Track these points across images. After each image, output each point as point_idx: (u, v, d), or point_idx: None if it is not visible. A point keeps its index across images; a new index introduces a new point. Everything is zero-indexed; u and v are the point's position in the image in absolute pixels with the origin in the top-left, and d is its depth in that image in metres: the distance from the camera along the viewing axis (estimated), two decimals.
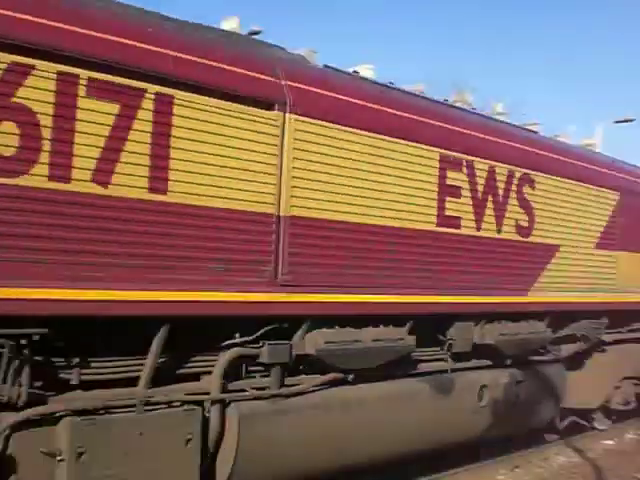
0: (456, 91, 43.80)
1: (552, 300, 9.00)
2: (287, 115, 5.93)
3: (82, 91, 4.74)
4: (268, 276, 5.79)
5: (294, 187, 5.97)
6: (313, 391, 6.39)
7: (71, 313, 4.72)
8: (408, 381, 7.34)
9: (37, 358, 4.71)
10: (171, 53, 5.30)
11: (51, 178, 4.57)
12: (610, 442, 10.83)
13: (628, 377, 11.14)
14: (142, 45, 5.14)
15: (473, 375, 8.15)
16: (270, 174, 5.82)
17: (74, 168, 4.68)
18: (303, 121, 6.04)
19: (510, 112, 43.60)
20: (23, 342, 4.54)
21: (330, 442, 6.41)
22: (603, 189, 10.08)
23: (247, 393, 5.92)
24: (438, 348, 7.87)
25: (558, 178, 9.12)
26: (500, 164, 8.17)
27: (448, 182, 7.46)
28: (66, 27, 4.71)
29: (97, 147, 4.81)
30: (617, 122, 33.07)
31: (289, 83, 6.06)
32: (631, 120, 32.29)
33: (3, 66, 4.36)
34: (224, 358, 5.81)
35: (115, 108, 4.89)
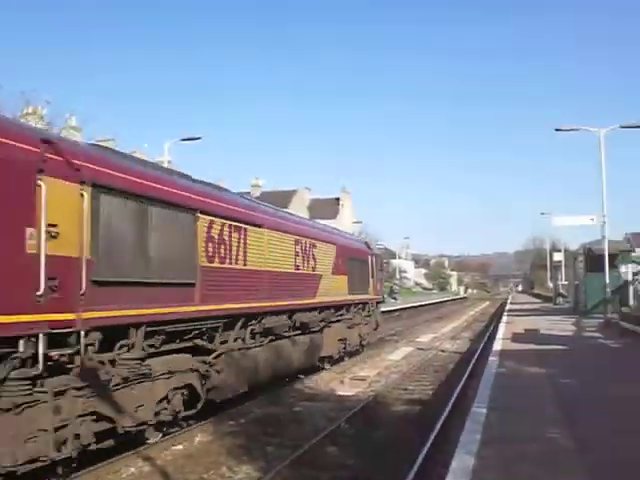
0: (27, 103, 43.28)
1: (320, 301, 19.23)
2: (265, 230, 15.15)
3: (233, 229, 13.39)
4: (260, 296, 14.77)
5: (267, 257, 15.27)
6: (262, 344, 15.22)
7: (245, 312, 13.91)
8: (286, 340, 16.67)
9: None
10: (245, 211, 14.38)
11: (237, 263, 13.55)
12: (180, 447, 11.33)
13: (341, 339, 21.71)
14: (243, 210, 14.31)
15: (300, 337, 17.69)
16: (263, 252, 14.93)
17: (238, 259, 13.63)
18: (270, 231, 15.48)
19: (84, 126, 44.55)
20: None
21: (266, 363, 15.08)
22: (332, 245, 20.93)
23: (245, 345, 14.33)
24: (291, 324, 17.03)
25: (321, 242, 19.73)
26: (309, 239, 18.52)
27: (296, 250, 17.30)
28: (245, 211, 14.48)
29: (236, 250, 13.50)
30: (183, 140, 36.78)
31: (264, 217, 15.40)
32: (198, 138, 36.37)
33: (221, 224, 13.02)
34: (247, 330, 14.57)
35: (238, 234, 13.59)
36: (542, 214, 56.82)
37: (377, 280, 27.30)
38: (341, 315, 21.69)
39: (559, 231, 73.80)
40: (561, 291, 64.38)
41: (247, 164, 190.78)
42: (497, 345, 20.84)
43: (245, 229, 13.92)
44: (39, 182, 8.21)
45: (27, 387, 8.22)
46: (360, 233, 71.32)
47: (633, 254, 45.09)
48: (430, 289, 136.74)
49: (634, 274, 35.84)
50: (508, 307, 58.52)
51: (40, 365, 8.23)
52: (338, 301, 21.11)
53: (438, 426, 11.86)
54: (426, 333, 36.98)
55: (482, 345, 26.39)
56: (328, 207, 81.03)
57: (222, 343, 13.21)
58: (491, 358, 17.37)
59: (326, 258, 19.96)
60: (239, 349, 13.89)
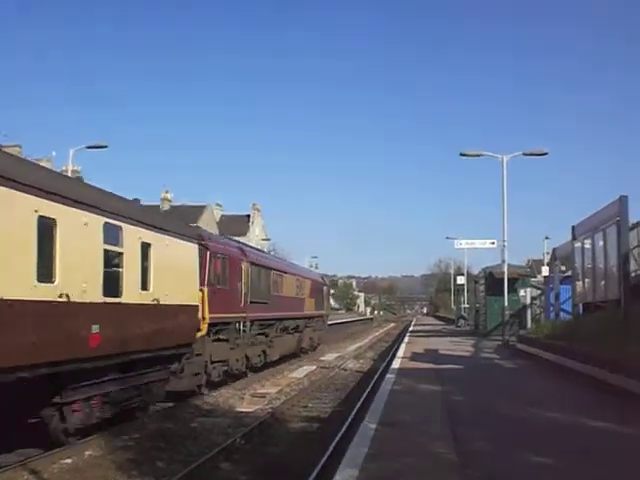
0: None
1: (304, 314, 33.95)
2: (287, 275, 31.06)
3: (278, 275, 28.56)
4: (285, 309, 29.69)
5: (286, 288, 30.45)
6: (282, 336, 28.87)
7: (280, 317, 28.25)
8: (289, 335, 30.26)
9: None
10: (282, 266, 31.89)
11: (279, 292, 28.26)
12: (68, 460, 11.18)
13: (310, 338, 35.57)
14: (281, 266, 31.57)
15: (295, 334, 31.52)
16: (285, 286, 30.19)
17: (279, 290, 28.39)
18: (289, 275, 31.53)
19: None
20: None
21: (283, 346, 28.75)
22: (309, 280, 36.78)
23: (277, 335, 28.16)
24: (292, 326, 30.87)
25: (305, 279, 35.62)
26: (301, 277, 34.58)
27: (296, 284, 32.40)
28: (282, 266, 32.02)
29: (279, 285, 28.56)
30: (89, 147, 35.87)
31: (287, 268, 32.41)
32: (104, 146, 35.52)
33: (276, 273, 28.55)
34: (277, 327, 28.17)
35: (280, 277, 28.88)
36: (447, 238, 57.94)
37: (327, 301, 45.07)
38: (310, 323, 35.60)
39: (464, 255, 75.66)
40: (463, 314, 66.05)
41: (157, 176, 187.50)
42: (396, 363, 21.16)
43: (282, 274, 29.14)
44: (241, 267, 21.83)
45: (237, 339, 21.49)
46: (270, 250, 71.36)
47: (533, 279, 46.63)
48: (337, 309, 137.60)
49: (532, 298, 37.16)
50: (412, 328, 59.53)
51: (241, 333, 21.64)
52: (311, 314, 35.93)
53: (334, 443, 11.91)
54: (331, 352, 37.30)
55: (384, 365, 26.73)
56: (238, 224, 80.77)
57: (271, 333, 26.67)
58: (388, 376, 17.60)
59: (307, 288, 35.13)
60: (275, 337, 26.93)
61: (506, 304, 32.94)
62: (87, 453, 11.70)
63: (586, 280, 23.37)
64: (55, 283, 10.55)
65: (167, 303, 14.78)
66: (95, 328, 11.62)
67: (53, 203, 10.62)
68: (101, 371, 12.38)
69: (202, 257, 17.73)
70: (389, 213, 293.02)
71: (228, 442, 12.50)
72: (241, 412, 16.56)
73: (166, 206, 67.87)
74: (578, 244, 23.75)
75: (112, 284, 12.43)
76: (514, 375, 19.17)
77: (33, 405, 11.34)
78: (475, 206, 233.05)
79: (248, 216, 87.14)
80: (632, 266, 19.34)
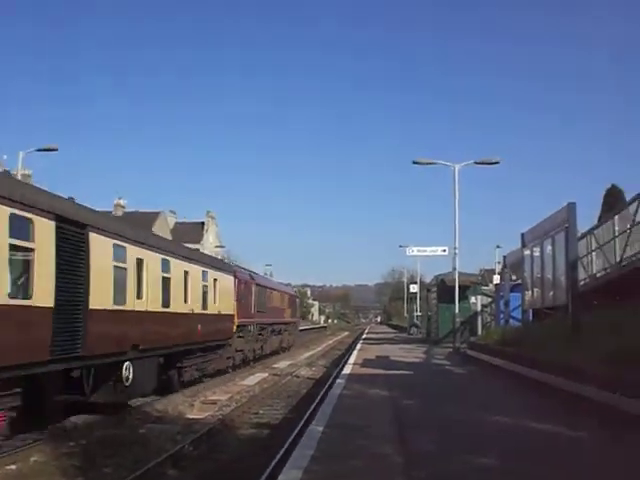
0: None
1: (283, 320, 44.37)
2: (276, 292, 42.91)
3: (270, 292, 40.45)
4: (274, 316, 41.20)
5: (276, 301, 42.99)
6: (272, 336, 39.82)
7: (272, 322, 39.45)
8: (275, 336, 40.45)
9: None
10: (274, 286, 45.21)
11: (271, 304, 39.66)
12: (12, 467, 11.01)
13: (287, 339, 47.18)
14: (274, 286, 45.10)
15: (278, 335, 41.89)
16: (275, 299, 42.80)
17: (272, 302, 40.07)
18: (277, 292, 44.02)
19: None
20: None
21: (273, 343, 39.55)
22: (288, 294, 49.40)
23: (269, 335, 39.19)
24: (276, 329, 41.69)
25: (285, 294, 47.73)
26: (282, 293, 46.02)
27: (280, 298, 44.30)
28: (273, 286, 45.32)
29: (272, 299, 40.59)
30: (39, 150, 35.25)
31: (276, 287, 45.75)
32: (54, 149, 34.90)
33: (268, 290, 40.34)
34: (270, 329, 39.36)
35: (270, 293, 40.33)
36: (400, 246, 58.11)
37: (298, 310, 58.61)
38: (287, 328, 45.59)
39: (418, 264, 76.13)
40: (415, 321, 66.48)
41: (110, 181, 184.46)
42: (347, 369, 21.21)
43: (272, 291, 40.27)
44: (252, 287, 32.74)
45: (248, 336, 31.53)
46: (223, 257, 70.99)
47: (484, 287, 47.11)
48: None
49: (483, 305, 37.59)
50: (365, 336, 59.74)
51: (251, 333, 32.13)
52: (288, 321, 46.47)
53: (283, 449, 11.84)
54: (283, 360, 37.23)
55: (336, 372, 26.74)
56: (192, 231, 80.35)
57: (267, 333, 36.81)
58: (339, 381, 17.64)
59: (286, 300, 46.05)
60: (267, 337, 36.39)
61: (457, 311, 33.25)
62: (32, 459, 11.49)
63: (535, 287, 23.73)
64: (188, 303, 20.61)
65: (223, 313, 25.34)
66: (199, 326, 21.44)
67: (187, 263, 21.07)
68: (195, 351, 22.08)
69: (234, 283, 28.20)
70: (343, 222, 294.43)
71: (176, 448, 12.40)
72: (191, 419, 16.42)
73: (119, 212, 67.05)
74: (527, 251, 24.10)
75: (204, 303, 22.79)
76: (463, 380, 19.36)
77: (168, 367, 19.94)
78: (433, 217, 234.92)
79: (202, 224, 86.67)
80: (581, 274, 19.69)
